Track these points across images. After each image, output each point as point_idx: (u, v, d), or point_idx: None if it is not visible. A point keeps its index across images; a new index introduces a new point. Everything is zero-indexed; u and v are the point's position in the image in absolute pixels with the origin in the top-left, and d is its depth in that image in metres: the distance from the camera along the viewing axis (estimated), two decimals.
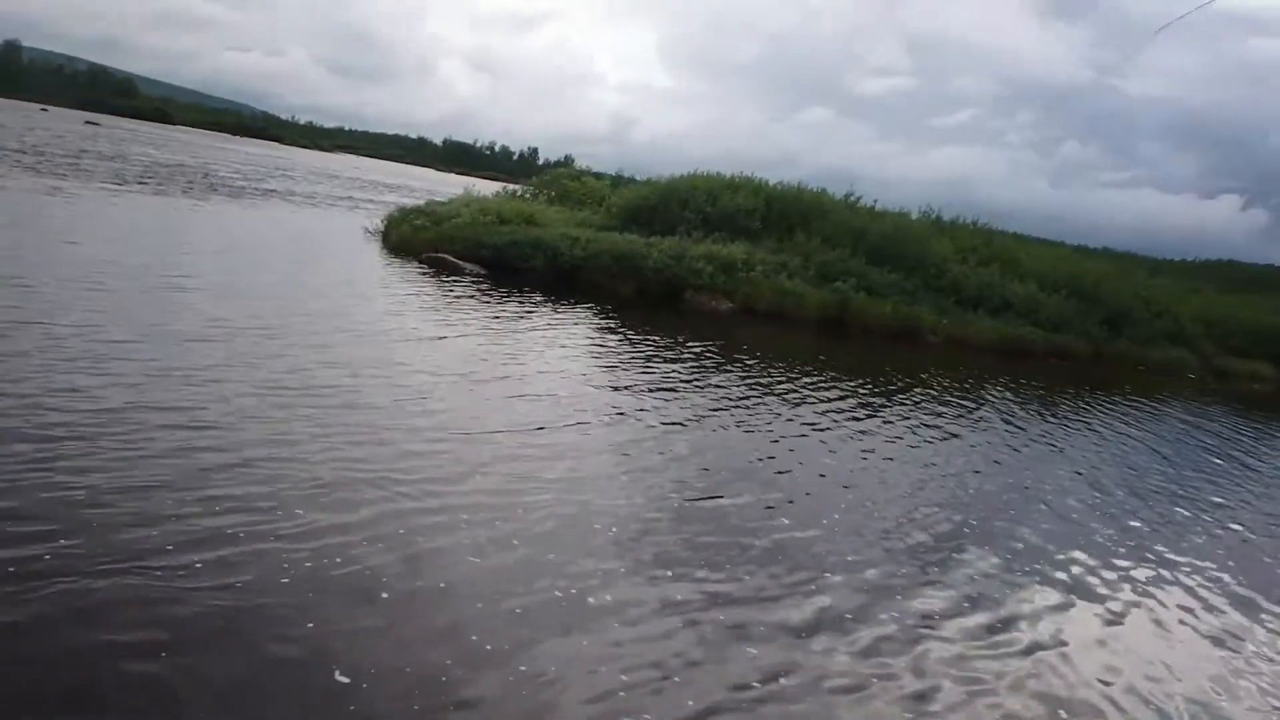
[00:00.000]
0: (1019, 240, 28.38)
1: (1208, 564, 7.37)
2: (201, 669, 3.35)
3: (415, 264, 16.97)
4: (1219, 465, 12.80)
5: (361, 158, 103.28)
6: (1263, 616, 6.33)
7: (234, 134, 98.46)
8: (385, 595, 4.11)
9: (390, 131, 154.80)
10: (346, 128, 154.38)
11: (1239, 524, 9.07)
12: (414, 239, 18.67)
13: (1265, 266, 40.69)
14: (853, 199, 24.07)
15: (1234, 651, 5.59)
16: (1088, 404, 15.59)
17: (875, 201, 24.65)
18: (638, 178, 25.67)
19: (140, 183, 23.56)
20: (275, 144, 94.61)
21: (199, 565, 4.03)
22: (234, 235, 17.31)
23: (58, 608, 3.54)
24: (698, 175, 22.91)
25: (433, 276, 15.74)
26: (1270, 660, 5.59)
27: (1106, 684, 4.76)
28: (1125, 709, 4.52)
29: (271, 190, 30.19)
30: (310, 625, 3.76)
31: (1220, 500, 10.05)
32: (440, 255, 17.52)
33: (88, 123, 59.35)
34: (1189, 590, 6.57)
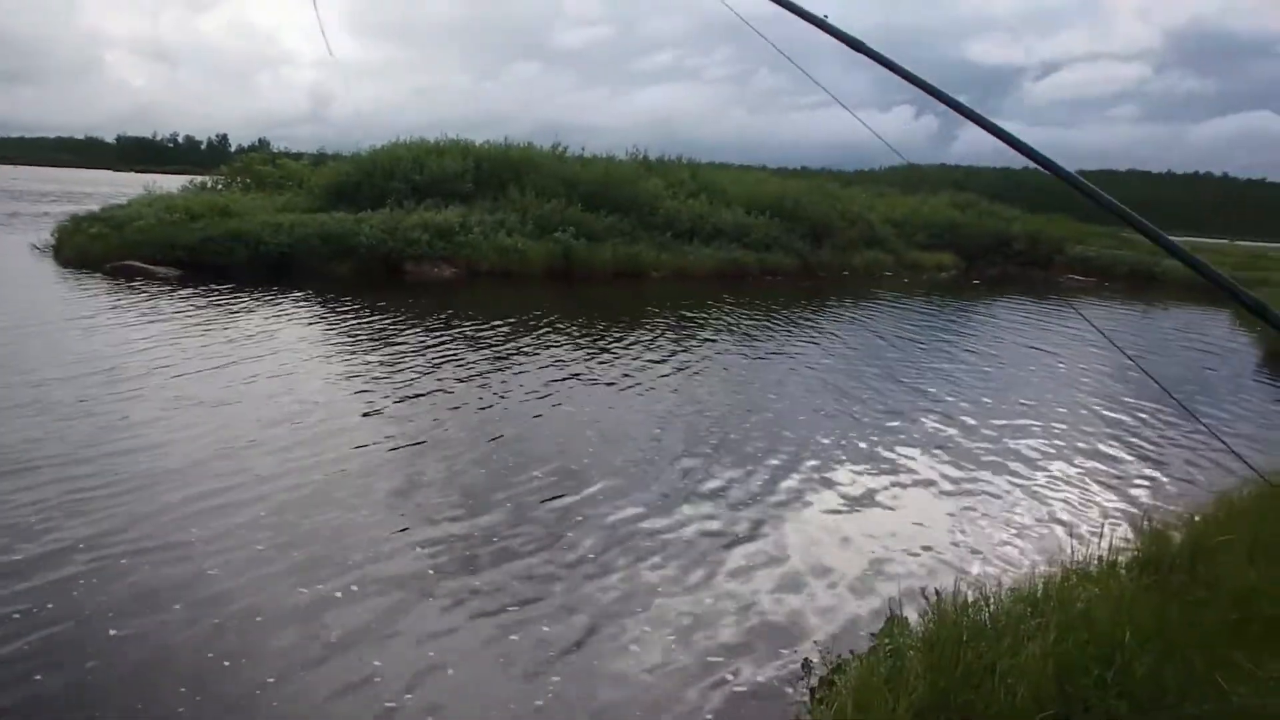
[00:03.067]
0: (724, 169, 30.76)
1: (934, 428, 8.83)
2: None
3: (99, 277, 15.73)
4: (927, 342, 15.10)
5: (19, 166, 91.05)
6: (983, 468, 7.61)
7: None
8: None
9: (54, 135, 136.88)
10: None
11: (954, 390, 10.82)
12: (92, 249, 17.24)
13: (938, 166, 46.52)
14: (560, 149, 25.05)
15: (966, 496, 6.81)
16: (804, 312, 17.54)
17: (583, 149, 25.82)
18: (343, 155, 24.98)
19: None
20: None
21: None
22: None
23: None
24: (400, 144, 22.91)
25: (121, 289, 14.69)
26: (996, 499, 6.82)
27: (850, 571, 5.33)
28: (870, 593, 5.07)
29: None
30: None
31: (935, 372, 11.92)
32: (126, 264, 16.37)
33: None
34: (924, 452, 7.89)
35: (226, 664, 3.84)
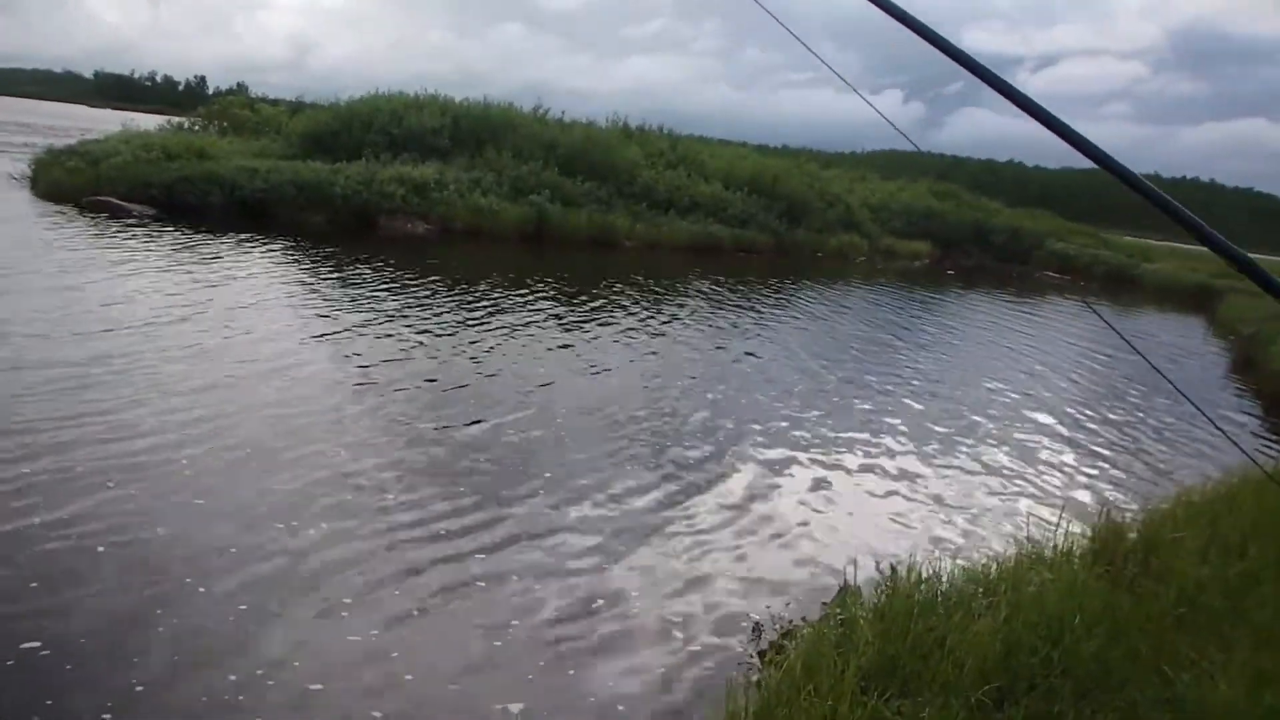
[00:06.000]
0: (704, 143, 31.29)
1: (901, 410, 9.27)
2: None
3: (75, 210, 16.19)
4: (897, 327, 15.67)
5: None
6: (948, 452, 7.98)
7: None
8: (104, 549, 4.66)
9: (27, 67, 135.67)
10: None
11: (922, 375, 11.26)
12: (68, 182, 17.67)
13: (922, 153, 47.04)
14: (542, 111, 25.47)
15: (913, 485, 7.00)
16: (776, 292, 18.08)
17: (564, 113, 26.25)
18: (320, 104, 25.32)
19: None
20: None
21: None
22: None
23: None
24: (380, 96, 23.32)
25: (97, 223, 15.17)
26: (958, 482, 7.13)
27: (807, 542, 5.63)
28: (824, 564, 5.32)
29: None
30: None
31: (903, 357, 12.37)
32: (101, 198, 16.84)
33: None
34: (889, 434, 8.28)
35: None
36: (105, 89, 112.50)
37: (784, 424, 8.27)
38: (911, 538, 5.90)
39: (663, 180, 24.34)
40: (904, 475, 7.25)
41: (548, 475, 6.19)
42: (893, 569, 4.34)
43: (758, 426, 8.05)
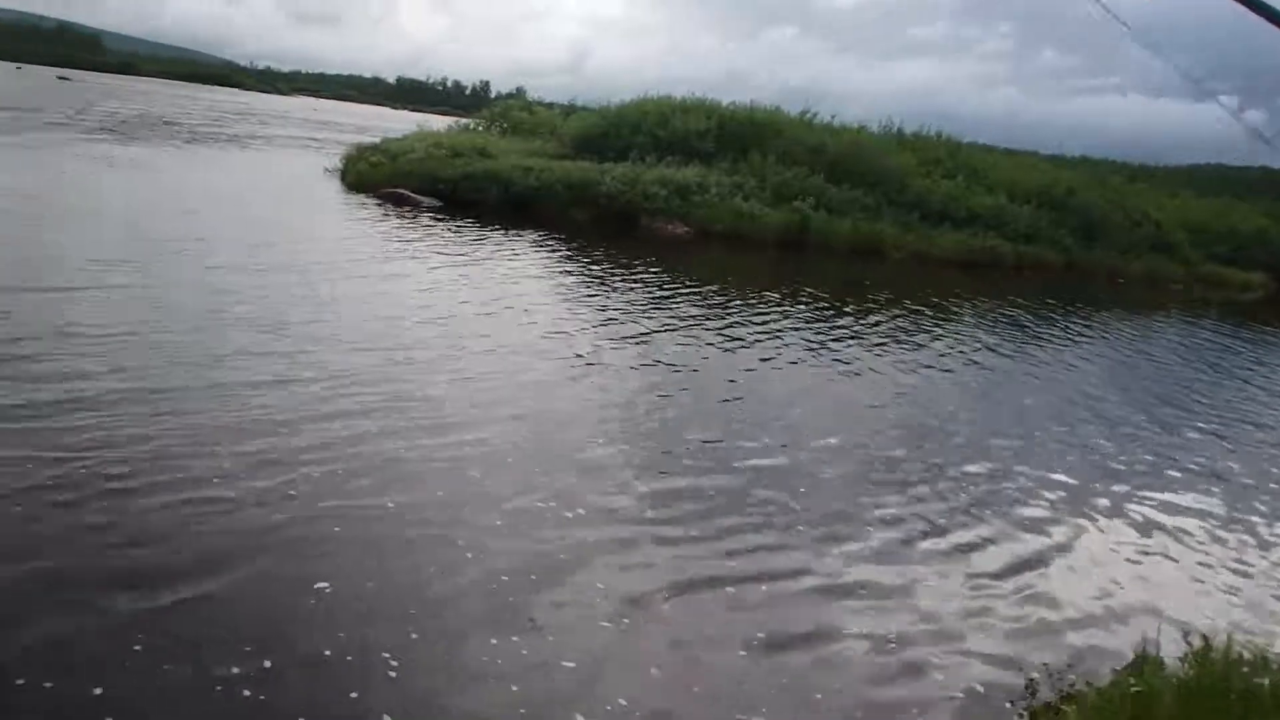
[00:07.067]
0: (987, 151, 29.02)
1: (1213, 467, 7.98)
2: None
3: (374, 200, 17.89)
4: (1215, 373, 13.27)
5: (319, 99, 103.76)
6: (1257, 534, 6.60)
7: (198, 83, 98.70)
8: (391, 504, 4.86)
9: (346, 73, 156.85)
10: (304, 71, 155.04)
11: (1236, 443, 9.21)
12: (371, 175, 19.56)
13: (1257, 169, 41.01)
14: (809, 115, 24.77)
15: (1222, 565, 5.91)
16: (1065, 317, 16.06)
17: (833, 117, 25.38)
18: (592, 107, 26.26)
19: (111, 131, 24.27)
20: (236, 90, 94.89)
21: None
22: (213, 179, 18.17)
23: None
24: (647, 100, 23.63)
25: (391, 212, 16.73)
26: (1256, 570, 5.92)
27: (1100, 598, 5.06)
28: (1118, 623, 4.79)
29: (236, 135, 30.99)
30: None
31: (1218, 418, 10.15)
32: (397, 190, 18.42)
33: (60, 78, 60.46)
34: (1184, 507, 6.87)
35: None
36: (403, 92, 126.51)
37: (1069, 469, 7.30)
38: (1226, 612, 5.10)
39: (938, 189, 22.84)
40: (1221, 540, 6.28)
41: (803, 505, 5.71)
42: (1205, 642, 3.71)
43: (1039, 469, 7.14)
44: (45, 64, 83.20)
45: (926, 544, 5.43)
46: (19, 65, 75.29)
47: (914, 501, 6.06)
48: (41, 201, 12.59)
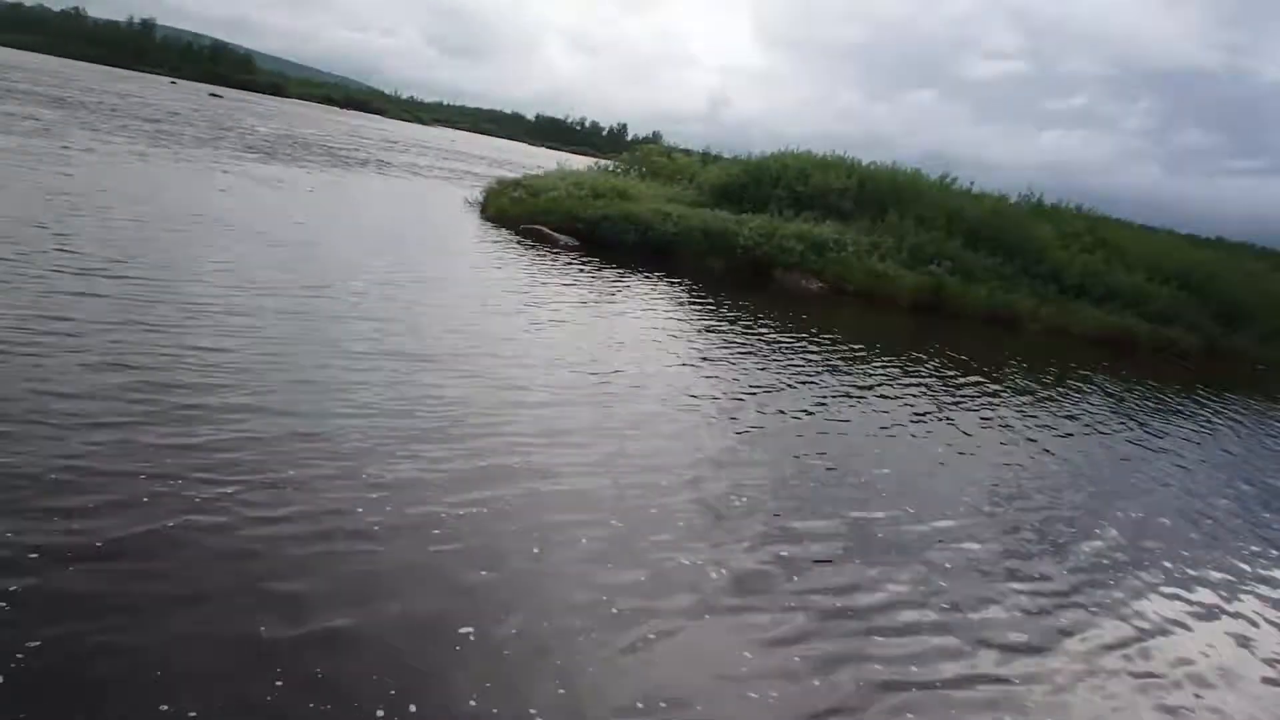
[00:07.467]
0: (1126, 226, 28.25)
1: None
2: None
3: (513, 235, 18.58)
4: None
5: (456, 130, 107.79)
6: None
7: (340, 107, 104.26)
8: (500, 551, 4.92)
9: (486, 107, 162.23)
10: (445, 102, 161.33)
11: None
12: (511, 210, 20.35)
13: None
14: (949, 180, 24.64)
15: None
16: (1202, 405, 15.37)
17: (972, 184, 25.17)
18: (726, 155, 26.73)
19: (265, 153, 25.90)
20: (377, 116, 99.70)
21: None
22: (356, 202, 19.23)
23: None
24: (789, 153, 23.95)
25: (531, 247, 17.36)
26: None
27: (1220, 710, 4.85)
28: None
29: (380, 160, 32.65)
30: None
31: None
32: (536, 227, 19.09)
33: (211, 95, 65.23)
34: None
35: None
36: (542, 129, 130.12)
37: (1199, 561, 7.07)
38: None
39: (1077, 262, 22.35)
40: None
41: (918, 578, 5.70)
42: None
43: (1160, 560, 6.92)
44: (198, 80, 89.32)
45: (1010, 622, 5.36)
46: (174, 80, 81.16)
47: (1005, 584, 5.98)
48: (204, 221, 13.43)
